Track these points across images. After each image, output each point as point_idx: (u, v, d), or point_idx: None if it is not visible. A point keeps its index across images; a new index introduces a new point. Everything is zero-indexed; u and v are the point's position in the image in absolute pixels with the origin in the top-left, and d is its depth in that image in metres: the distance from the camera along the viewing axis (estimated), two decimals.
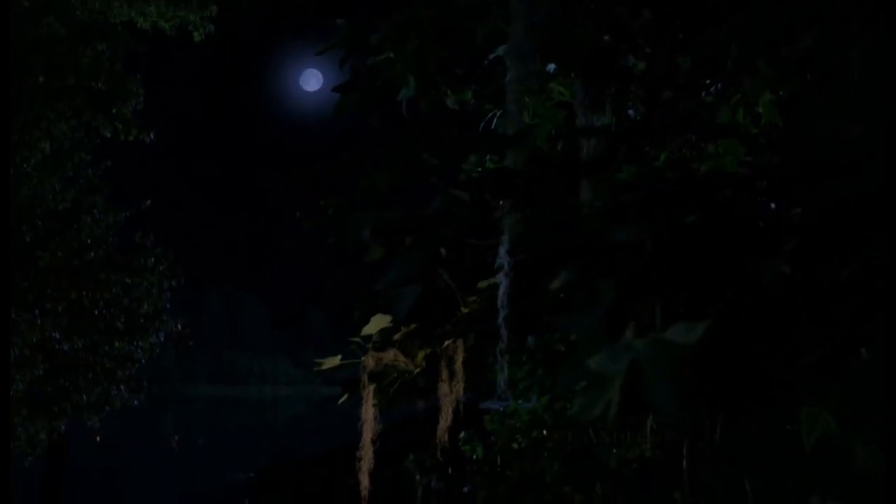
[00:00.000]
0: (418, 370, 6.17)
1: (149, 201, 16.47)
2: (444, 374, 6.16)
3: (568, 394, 9.78)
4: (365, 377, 6.05)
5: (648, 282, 4.50)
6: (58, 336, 14.50)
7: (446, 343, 6.15)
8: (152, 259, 16.58)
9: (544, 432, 9.31)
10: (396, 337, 6.11)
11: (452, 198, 6.81)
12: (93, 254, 15.51)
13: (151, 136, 16.09)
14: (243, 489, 18.18)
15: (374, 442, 6.22)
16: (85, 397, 15.26)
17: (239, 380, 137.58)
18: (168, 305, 17.31)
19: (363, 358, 6.07)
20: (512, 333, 7.66)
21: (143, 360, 16.83)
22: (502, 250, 4.52)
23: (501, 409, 10.67)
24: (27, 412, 14.81)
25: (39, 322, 14.28)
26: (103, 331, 16.02)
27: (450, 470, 9.64)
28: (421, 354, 6.27)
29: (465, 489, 9.45)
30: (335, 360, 6.03)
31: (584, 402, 3.10)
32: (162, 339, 16.94)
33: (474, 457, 10.33)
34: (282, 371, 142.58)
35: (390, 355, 6.11)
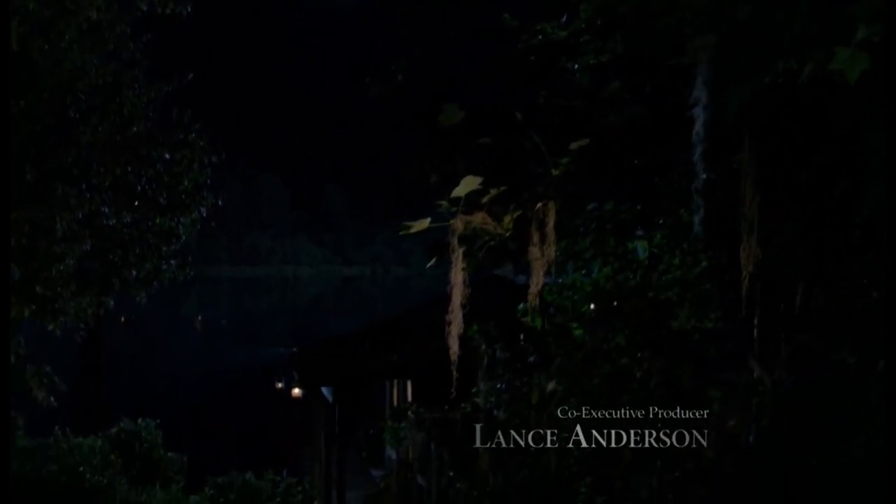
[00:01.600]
0: (508, 233, 6.02)
1: (191, 75, 16.19)
2: (535, 237, 6.00)
3: (633, 263, 9.66)
4: (454, 240, 5.89)
5: None
6: (106, 210, 14.37)
7: (538, 205, 5.98)
8: (192, 134, 16.35)
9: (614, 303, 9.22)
10: (485, 199, 5.93)
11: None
12: (135, 128, 15.28)
13: (188, 9, 15.76)
14: (290, 362, 18.34)
15: (463, 306, 6.10)
16: (134, 272, 15.21)
17: (260, 260, 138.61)
18: (209, 181, 17.14)
19: (452, 221, 5.89)
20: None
21: (185, 237, 16.74)
22: (700, 80, 4.26)
23: (559, 280, 10.57)
24: (75, 288, 14.79)
25: (88, 196, 14.16)
26: (147, 207, 15.90)
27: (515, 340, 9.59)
28: (508, 218, 6.09)
29: (531, 359, 9.41)
30: (424, 223, 5.85)
31: None
32: (204, 214, 16.81)
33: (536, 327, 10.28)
34: (302, 251, 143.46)
35: (479, 218, 5.94)
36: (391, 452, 20.83)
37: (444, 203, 5.98)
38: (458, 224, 5.90)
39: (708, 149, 7.06)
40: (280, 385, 28.32)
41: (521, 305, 10.79)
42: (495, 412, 9.74)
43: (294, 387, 21.94)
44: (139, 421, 23.49)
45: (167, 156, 16.09)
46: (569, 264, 10.10)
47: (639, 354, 8.88)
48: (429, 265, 6.48)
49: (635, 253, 9.61)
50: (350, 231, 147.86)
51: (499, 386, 9.66)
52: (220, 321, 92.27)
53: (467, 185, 5.81)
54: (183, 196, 16.67)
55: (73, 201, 13.68)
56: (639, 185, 8.24)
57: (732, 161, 7.63)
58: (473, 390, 9.83)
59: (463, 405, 9.86)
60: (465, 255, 5.97)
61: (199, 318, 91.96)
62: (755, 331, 7.45)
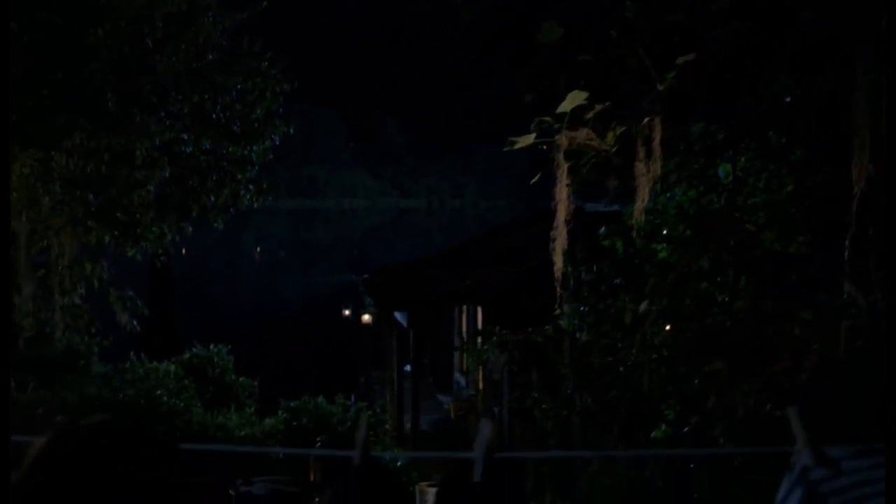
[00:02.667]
0: (614, 149, 5.92)
1: (265, 3, 16.13)
2: (641, 153, 5.91)
3: (718, 186, 9.50)
4: (560, 156, 5.81)
5: None
6: (185, 137, 14.44)
7: (644, 121, 5.87)
8: (265, 63, 16.32)
9: (687, 231, 9.11)
10: (590, 115, 5.82)
11: None
12: (210, 56, 15.27)
13: None
14: (364, 287, 18.44)
15: (567, 222, 6.04)
16: (212, 198, 15.30)
17: (317, 193, 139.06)
18: (281, 110, 17.14)
19: (557, 137, 5.80)
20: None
21: (258, 166, 16.81)
22: None
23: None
24: (154, 214, 14.92)
25: (168, 123, 14.23)
26: (221, 135, 15.97)
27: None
28: (611, 135, 5.99)
29: (616, 281, 9.35)
30: (529, 139, 5.77)
31: None
32: (277, 142, 16.84)
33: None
34: (359, 183, 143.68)
35: (583, 134, 5.84)
36: (459, 378, 20.99)
37: (548, 119, 5.89)
38: (562, 140, 5.82)
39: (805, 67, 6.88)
40: (347, 312, 28.51)
41: (603, 229, 10.71)
42: (578, 334, 9.72)
43: (365, 313, 22.10)
44: (211, 347, 23.82)
45: (239, 85, 16.12)
46: (655, 187, 9.98)
47: (719, 278, 8.80)
48: (533, 181, 6.41)
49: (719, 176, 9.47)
50: (406, 164, 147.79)
51: (582, 308, 9.62)
52: (278, 252, 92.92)
53: (573, 99, 5.70)
54: (255, 124, 16.72)
55: (153, 128, 13.74)
56: (732, 105, 8.08)
57: (825, 80, 7.44)
58: (556, 312, 9.78)
59: (546, 327, 9.84)
60: (569, 171, 5.89)
61: (258, 249, 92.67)
62: (847, 252, 7.31)
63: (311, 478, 10.87)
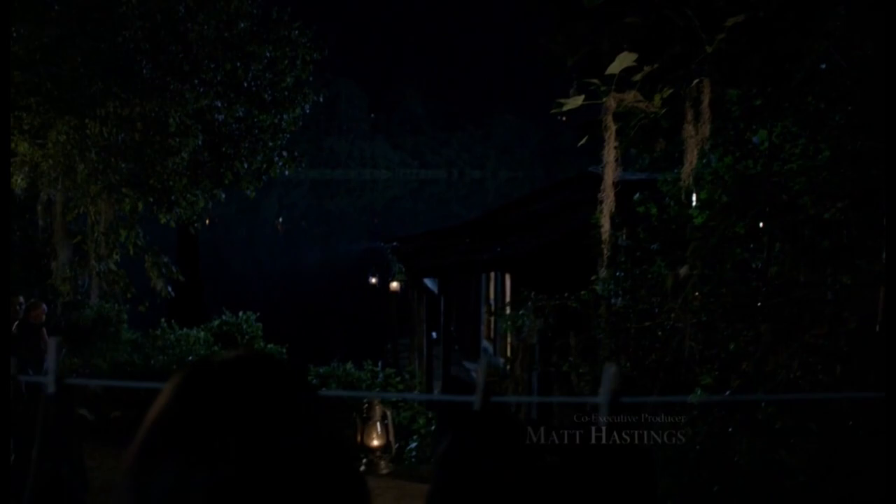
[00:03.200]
0: (663, 111, 5.85)
1: None
2: (689, 115, 5.84)
3: (755, 152, 9.40)
4: (608, 118, 5.75)
5: None
6: (219, 105, 14.41)
7: (693, 82, 5.80)
8: (295, 31, 16.25)
9: (724, 197, 9.02)
10: (637, 77, 5.75)
11: None
12: (241, 25, 15.20)
13: None
14: (395, 254, 18.41)
15: (615, 185, 5.99)
16: (246, 165, 15.28)
17: (339, 163, 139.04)
18: (311, 78, 17.08)
19: (605, 99, 5.74)
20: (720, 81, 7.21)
21: (289, 134, 16.78)
22: None
23: (675, 171, 10.35)
24: (187, 181, 14.91)
25: (201, 90, 14.18)
26: (253, 103, 15.93)
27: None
28: (658, 97, 5.92)
29: (653, 247, 9.29)
30: (578, 100, 5.70)
31: None
32: (307, 110, 16.80)
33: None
34: (380, 154, 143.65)
35: (631, 96, 5.77)
36: (487, 345, 20.99)
37: (596, 81, 5.82)
38: (610, 102, 5.75)
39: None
40: (374, 280, 28.48)
41: (637, 195, 10.63)
42: (614, 300, 9.67)
43: (394, 280, 22.09)
44: (240, 314, 23.92)
45: (269, 53, 16.06)
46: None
47: (752, 245, 8.73)
48: (581, 143, 6.35)
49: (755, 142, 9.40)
50: (426, 135, 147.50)
51: (618, 274, 9.56)
52: (300, 222, 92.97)
53: (622, 61, 5.64)
54: (286, 92, 16.67)
55: (188, 95, 13.71)
56: (772, 70, 7.98)
57: (867, 47, 7.34)
58: (593, 278, 9.72)
59: (582, 292, 9.78)
60: (617, 133, 5.83)
61: (280, 220, 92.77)
62: (885, 218, 7.23)
63: (358, 439, 10.89)
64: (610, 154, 5.81)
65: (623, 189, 13.35)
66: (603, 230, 6.17)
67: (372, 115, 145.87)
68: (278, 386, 1.70)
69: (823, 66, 7.97)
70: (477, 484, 1.80)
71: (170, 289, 15.33)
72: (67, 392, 1.80)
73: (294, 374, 1.67)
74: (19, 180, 13.74)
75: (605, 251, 6.46)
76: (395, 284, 22.28)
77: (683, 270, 7.59)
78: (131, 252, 15.11)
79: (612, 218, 9.80)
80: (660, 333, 8.30)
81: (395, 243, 18.81)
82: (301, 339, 25.69)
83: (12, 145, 13.60)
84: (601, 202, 6.01)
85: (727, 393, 7.04)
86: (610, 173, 5.89)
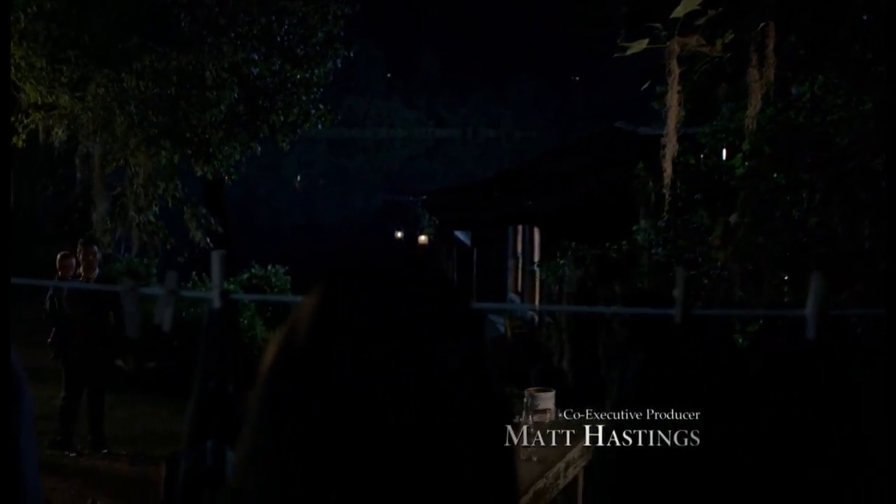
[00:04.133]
0: (728, 55, 5.72)
1: None
2: (754, 59, 5.70)
3: (797, 104, 9.23)
4: (672, 62, 5.61)
5: None
6: (256, 58, 14.25)
7: (759, 26, 5.66)
8: None
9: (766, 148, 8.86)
10: (700, 21, 5.61)
11: None
12: None
13: None
14: (427, 207, 18.32)
15: (677, 129, 5.86)
16: (282, 117, 15.15)
17: (356, 122, 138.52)
18: (342, 33, 16.88)
19: (669, 43, 5.60)
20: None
21: (322, 88, 16.62)
22: None
23: (713, 123, 10.21)
24: (223, 134, 14.79)
25: (238, 43, 14.04)
26: (286, 57, 15.77)
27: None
28: (719, 42, 5.77)
29: (697, 196, 9.18)
30: (642, 44, 5.56)
31: None
32: (339, 65, 16.62)
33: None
34: (396, 113, 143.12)
35: (694, 40, 5.63)
36: (514, 297, 20.91)
37: (658, 26, 5.68)
38: (674, 46, 5.62)
39: None
40: (399, 234, 28.39)
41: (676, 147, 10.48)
42: (655, 250, 9.56)
43: (423, 233, 22.01)
44: (268, 267, 23.86)
45: (302, 7, 15.87)
46: (724, 105, 9.75)
47: (788, 196, 8.59)
48: (644, 87, 6.22)
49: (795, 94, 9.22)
50: (442, 94, 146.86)
51: (659, 223, 9.45)
52: (318, 180, 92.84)
53: (686, 5, 5.49)
54: (317, 47, 16.49)
55: (225, 48, 13.56)
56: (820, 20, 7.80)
57: None
58: (634, 228, 9.63)
59: (623, 242, 9.69)
60: (681, 77, 5.70)
61: (298, 178, 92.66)
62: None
63: None
64: (673, 98, 5.68)
65: (650, 143, 13.25)
66: (665, 174, 6.06)
67: (389, 75, 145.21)
68: (428, 298, 1.53)
69: (865, 17, 7.79)
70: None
71: (208, 240, 15.27)
72: (233, 307, 1.71)
73: (448, 287, 1.48)
74: (60, 132, 13.68)
75: (667, 196, 6.36)
76: (423, 238, 22.18)
77: (734, 218, 7.47)
78: (170, 204, 15.05)
79: (649, 168, 9.67)
80: (706, 281, 8.19)
81: (424, 197, 18.71)
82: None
83: (53, 98, 13.51)
84: (663, 147, 5.89)
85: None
86: (673, 118, 5.77)
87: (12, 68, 12.88)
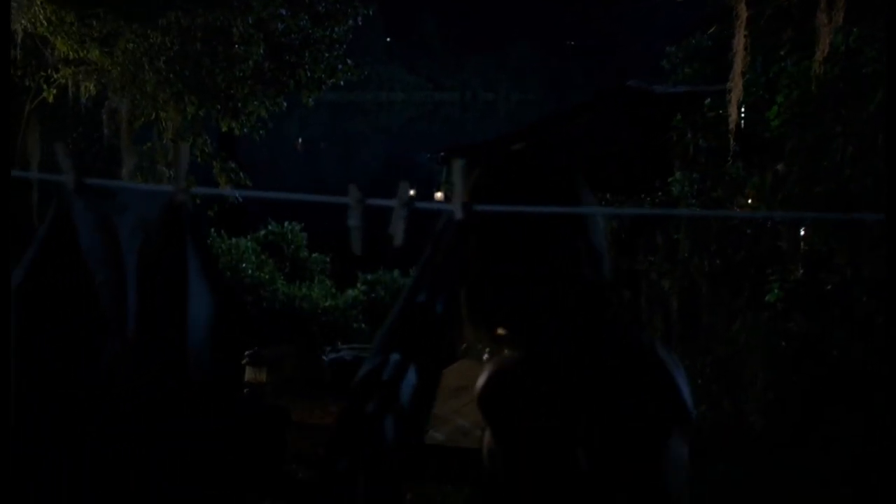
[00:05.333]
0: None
1: None
2: (823, 2, 5.53)
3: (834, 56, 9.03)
4: (741, 5, 5.45)
5: None
6: (284, 13, 14.00)
7: None
8: None
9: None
10: None
11: None
12: None
13: None
14: (440, 162, 18.20)
15: (743, 75, 5.70)
16: (309, 72, 14.92)
17: (356, 85, 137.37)
18: None
19: None
20: None
21: (345, 45, 16.39)
22: None
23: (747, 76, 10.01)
24: (248, 89, 14.59)
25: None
26: (309, 14, 15.52)
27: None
28: None
29: (735, 148, 9.02)
30: None
31: None
32: (360, 22, 16.39)
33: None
34: (396, 77, 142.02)
35: None
36: None
37: None
38: None
39: None
40: (412, 192, 28.16)
41: (708, 100, 10.31)
42: (692, 201, 9.43)
43: (439, 190, 21.81)
44: (285, 224, 23.74)
45: None
46: (757, 60, 9.55)
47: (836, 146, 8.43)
48: (710, 30, 6.04)
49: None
50: (441, 58, 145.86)
51: (694, 175, 9.32)
52: (319, 142, 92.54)
53: None
54: (337, 5, 16.24)
55: (254, 3, 13.32)
56: None
57: None
58: (669, 180, 9.49)
59: (659, 194, 9.55)
60: (748, 21, 5.53)
61: (300, 140, 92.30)
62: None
63: None
64: (740, 42, 5.52)
65: (668, 100, 13.08)
66: (731, 119, 5.91)
67: (389, 38, 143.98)
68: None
69: None
70: None
71: (237, 194, 15.11)
72: (475, 219, 1.57)
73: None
74: (91, 87, 13.48)
75: (732, 141, 6.20)
76: (439, 194, 22.00)
77: (781, 167, 7.33)
78: (199, 159, 14.87)
79: (695, 119, 9.51)
80: (749, 231, 8.08)
81: (442, 153, 18.52)
82: (345, 248, 25.51)
83: (84, 53, 13.27)
84: (729, 91, 5.74)
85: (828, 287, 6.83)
86: (739, 62, 5.62)
87: (43, 23, 12.66)
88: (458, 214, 1.56)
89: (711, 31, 9.54)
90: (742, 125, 9.76)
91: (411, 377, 1.48)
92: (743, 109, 10.22)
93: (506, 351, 1.86)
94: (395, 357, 1.52)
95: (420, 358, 1.52)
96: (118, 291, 1.55)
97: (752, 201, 8.32)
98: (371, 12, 17.37)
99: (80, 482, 1.55)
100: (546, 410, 1.71)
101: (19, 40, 12.53)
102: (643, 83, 19.04)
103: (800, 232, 7.64)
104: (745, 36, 5.50)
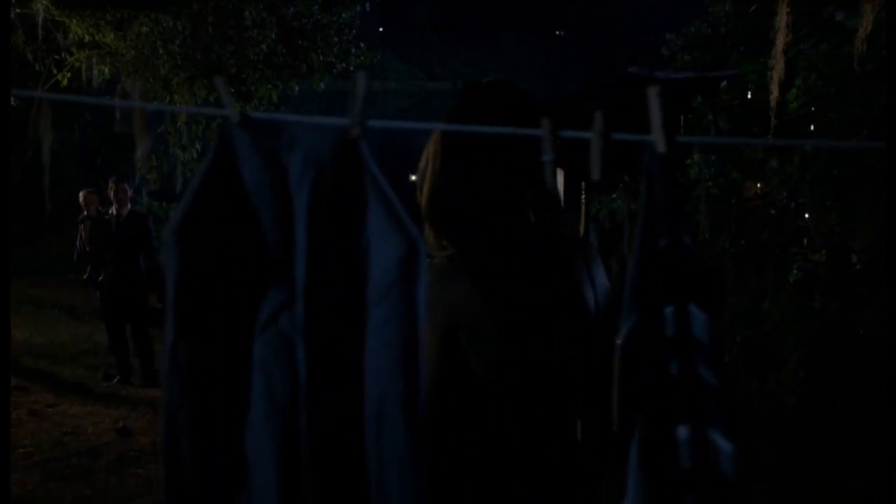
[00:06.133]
0: None
1: None
2: None
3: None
4: None
5: None
6: None
7: None
8: None
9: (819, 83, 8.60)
10: None
11: None
12: None
13: None
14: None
15: (784, 52, 5.61)
16: (321, 56, 14.79)
17: (350, 74, 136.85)
18: None
19: None
20: None
21: (354, 30, 16.26)
22: None
23: (761, 59, 9.92)
24: (259, 74, 14.46)
25: None
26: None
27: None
28: None
29: (754, 130, 8.94)
30: None
31: None
32: (368, 8, 16.25)
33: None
34: (389, 67, 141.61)
35: None
36: None
37: None
38: None
39: None
40: (413, 178, 28.09)
41: (724, 84, 10.22)
42: (710, 182, 9.33)
43: None
44: None
45: None
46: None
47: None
48: (752, 9, 5.95)
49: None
50: (434, 48, 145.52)
51: (712, 157, 9.20)
52: None
53: None
54: None
55: None
56: None
57: None
58: (688, 161, 9.37)
59: (678, 175, 9.44)
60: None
61: None
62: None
63: None
64: (782, 20, 5.44)
65: (671, 87, 12.92)
66: (772, 97, 5.82)
67: (381, 29, 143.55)
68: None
69: None
70: None
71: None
72: (679, 152, 1.47)
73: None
74: (106, 70, 13.32)
75: (773, 118, 6.11)
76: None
77: (808, 146, 7.25)
78: (211, 142, 14.72)
79: (715, 101, 9.39)
80: (773, 212, 7.99)
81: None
82: None
83: (99, 37, 13.12)
84: (771, 69, 5.66)
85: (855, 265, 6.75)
86: (781, 40, 5.53)
87: (55, 7, 12.52)
88: (661, 147, 1.45)
89: (753, 8, 9.36)
90: (757, 106, 9.68)
91: (697, 315, 1.37)
92: (758, 91, 10.13)
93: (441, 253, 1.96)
94: (668, 310, 1.39)
95: (696, 298, 1.39)
96: (286, 232, 1.46)
97: (762, 185, 8.24)
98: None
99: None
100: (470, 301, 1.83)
101: (40, 20, 12.35)
102: (645, 70, 18.93)
103: (823, 214, 7.56)
104: (787, 13, 5.40)
